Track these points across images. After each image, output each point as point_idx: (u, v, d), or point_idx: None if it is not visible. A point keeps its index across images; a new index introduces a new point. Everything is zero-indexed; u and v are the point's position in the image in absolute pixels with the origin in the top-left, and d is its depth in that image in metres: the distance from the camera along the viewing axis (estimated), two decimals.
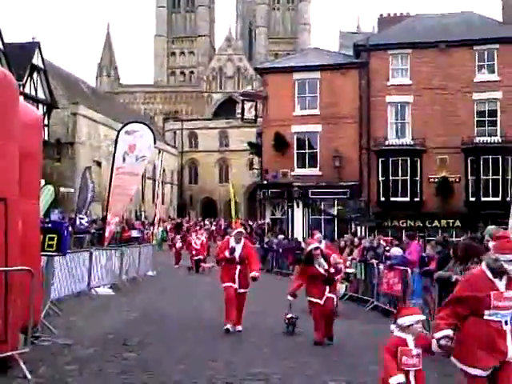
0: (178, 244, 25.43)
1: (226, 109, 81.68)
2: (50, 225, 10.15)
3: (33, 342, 7.21)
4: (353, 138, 27.93)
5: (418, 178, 27.16)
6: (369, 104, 27.89)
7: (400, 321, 4.55)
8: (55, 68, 42.11)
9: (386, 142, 27.60)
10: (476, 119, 27.06)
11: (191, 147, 66.18)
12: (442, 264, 9.40)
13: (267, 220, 29.48)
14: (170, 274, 20.71)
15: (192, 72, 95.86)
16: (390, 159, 27.27)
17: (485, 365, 4.38)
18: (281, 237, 25.10)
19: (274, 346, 8.48)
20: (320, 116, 28.31)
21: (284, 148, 28.47)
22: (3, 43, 30.93)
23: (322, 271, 8.80)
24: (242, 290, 9.45)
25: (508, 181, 26.18)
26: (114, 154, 17.10)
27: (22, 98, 18.98)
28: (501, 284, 4.44)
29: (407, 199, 27.09)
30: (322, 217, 28.57)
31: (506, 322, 4.43)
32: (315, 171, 28.30)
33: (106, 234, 17.27)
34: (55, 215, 23.53)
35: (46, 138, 33.22)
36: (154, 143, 18.13)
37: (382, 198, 27.35)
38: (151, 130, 17.93)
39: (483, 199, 26.16)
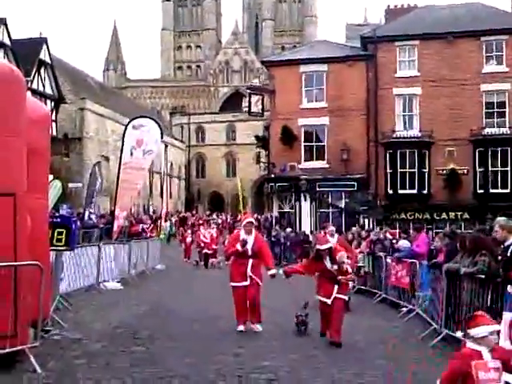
0: (189, 238, 25.49)
1: (233, 102, 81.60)
2: (58, 220, 10.21)
3: (42, 337, 7.26)
4: (360, 130, 27.84)
5: (426, 171, 27.05)
6: (376, 96, 27.76)
7: (473, 331, 4.03)
8: (62, 63, 42.20)
9: (394, 135, 27.48)
10: (484, 111, 26.89)
11: (198, 141, 66.22)
12: (450, 256, 9.39)
13: (274, 213, 29.46)
14: (178, 268, 20.78)
15: (199, 66, 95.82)
16: (398, 151, 27.16)
17: None
18: (288, 230, 25.12)
19: (281, 339, 8.48)
20: (327, 109, 28.22)
21: (291, 141, 28.41)
22: (10, 39, 31.04)
23: (328, 265, 8.37)
24: (254, 286, 8.83)
25: None
26: (122, 149, 17.15)
27: (29, 93, 19.04)
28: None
29: (415, 191, 27.00)
30: (330, 210, 28.53)
31: None
32: (323, 164, 28.24)
33: (115, 229, 17.35)
34: (64, 210, 23.63)
35: (54, 133, 33.33)
36: (161, 137, 18.17)
37: (390, 191, 27.27)
38: (158, 124, 17.96)
39: (492, 191, 26.03)
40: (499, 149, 26.24)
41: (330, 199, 28.41)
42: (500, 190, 25.93)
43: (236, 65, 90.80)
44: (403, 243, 13.32)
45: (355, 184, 27.62)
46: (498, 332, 4.27)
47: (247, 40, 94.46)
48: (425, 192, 26.99)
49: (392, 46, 27.86)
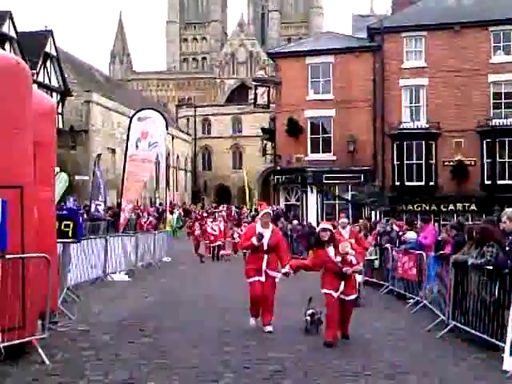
0: (197, 231, 25.42)
1: (239, 94, 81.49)
2: (65, 212, 10.24)
3: (50, 328, 7.28)
4: (367, 122, 27.72)
5: (433, 162, 26.94)
6: (383, 87, 27.61)
7: None
8: (68, 56, 42.25)
9: (401, 126, 27.35)
10: (492, 101, 26.71)
11: (204, 133, 66.16)
12: (457, 248, 9.34)
13: (281, 206, 29.43)
14: (185, 261, 20.80)
15: (204, 58, 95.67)
16: (405, 143, 27.05)
17: None
18: (295, 222, 25.07)
19: (288, 330, 8.48)
20: (333, 100, 28.11)
21: (297, 133, 28.34)
22: (16, 32, 31.06)
23: (332, 255, 7.80)
24: (269, 283, 8.41)
25: None
26: (127, 141, 17.18)
27: (35, 86, 19.08)
28: None
29: (422, 183, 26.89)
30: (337, 202, 28.48)
31: None
32: (329, 156, 28.16)
33: (121, 221, 17.41)
34: (71, 203, 23.70)
35: (60, 125, 33.43)
36: (166, 129, 18.17)
37: (397, 183, 27.18)
38: (163, 116, 17.96)
39: (499, 182, 25.89)
40: (507, 140, 26.06)
41: (336, 191, 28.37)
42: (508, 181, 25.78)
43: (242, 57, 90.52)
44: (410, 235, 13.27)
45: (362, 176, 27.55)
46: None
47: (253, 32, 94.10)
48: (432, 183, 26.88)
49: (399, 37, 27.67)
